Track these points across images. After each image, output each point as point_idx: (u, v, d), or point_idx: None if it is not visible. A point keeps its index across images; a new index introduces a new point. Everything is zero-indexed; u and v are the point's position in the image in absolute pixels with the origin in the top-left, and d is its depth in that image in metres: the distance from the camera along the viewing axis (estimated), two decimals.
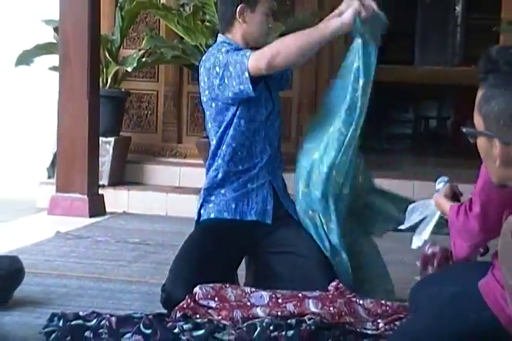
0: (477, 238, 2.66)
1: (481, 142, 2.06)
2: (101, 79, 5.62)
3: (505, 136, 1.99)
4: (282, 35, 5.19)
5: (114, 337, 2.94)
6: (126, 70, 5.78)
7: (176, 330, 2.94)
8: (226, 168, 3.31)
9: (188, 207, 4.96)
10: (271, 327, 2.84)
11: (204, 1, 5.54)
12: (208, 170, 3.36)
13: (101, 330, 2.96)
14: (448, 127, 9.27)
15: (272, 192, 3.37)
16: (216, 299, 3.01)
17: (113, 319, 2.98)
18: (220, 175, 3.32)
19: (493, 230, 2.67)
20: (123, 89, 6.01)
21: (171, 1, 5.98)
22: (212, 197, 3.35)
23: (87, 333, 2.95)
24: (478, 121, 2.06)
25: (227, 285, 3.07)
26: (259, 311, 2.97)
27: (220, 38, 3.39)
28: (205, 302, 3.00)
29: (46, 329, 2.98)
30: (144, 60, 5.80)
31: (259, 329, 2.84)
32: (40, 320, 3.14)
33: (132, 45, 6.16)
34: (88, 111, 5.18)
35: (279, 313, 2.93)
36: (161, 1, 6.00)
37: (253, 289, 3.08)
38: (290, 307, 2.96)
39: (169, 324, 2.99)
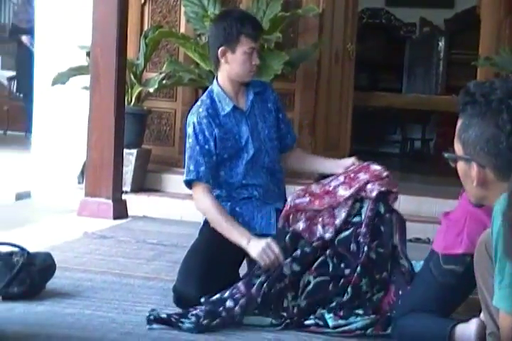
0: None
1: (460, 165, 2.09)
2: (126, 99, 5.64)
3: (481, 160, 2.02)
4: (286, 63, 5.20)
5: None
6: (149, 91, 5.80)
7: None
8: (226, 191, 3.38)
9: (200, 212, 4.97)
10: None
11: None
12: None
13: (237, 296, 3.00)
14: (431, 148, 9.30)
15: (273, 208, 3.37)
16: (307, 195, 3.17)
17: (239, 284, 3.06)
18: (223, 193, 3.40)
19: None
20: (145, 108, 6.03)
21: (189, 31, 6.01)
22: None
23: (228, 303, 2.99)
24: (457, 146, 2.08)
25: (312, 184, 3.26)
26: (341, 190, 3.13)
27: (213, 83, 3.39)
28: (301, 200, 3.16)
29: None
30: (164, 82, 5.82)
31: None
32: (68, 310, 3.16)
33: (154, 69, 6.17)
34: (114, 126, 5.20)
35: (357, 185, 3.11)
36: (181, 31, 6.04)
37: (329, 179, 3.23)
38: (362, 176, 3.15)
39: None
